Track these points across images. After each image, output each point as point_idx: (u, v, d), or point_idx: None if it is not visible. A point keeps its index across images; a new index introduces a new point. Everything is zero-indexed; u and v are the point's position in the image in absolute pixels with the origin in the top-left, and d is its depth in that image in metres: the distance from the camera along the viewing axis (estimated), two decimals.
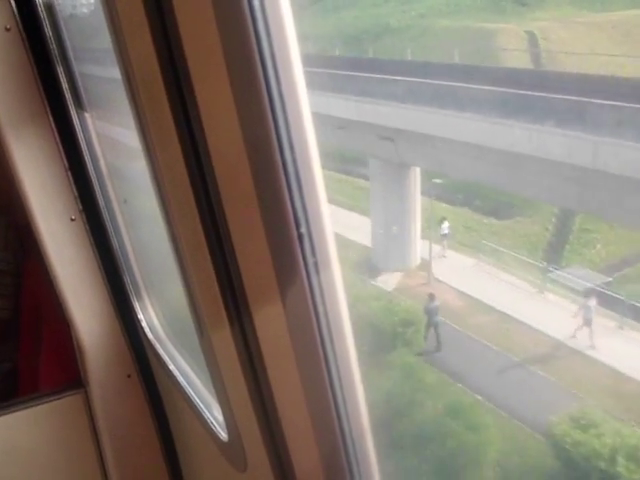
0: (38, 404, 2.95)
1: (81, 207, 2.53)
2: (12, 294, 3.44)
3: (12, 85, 2.31)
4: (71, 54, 2.27)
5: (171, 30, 1.02)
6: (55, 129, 2.41)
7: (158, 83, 1.12)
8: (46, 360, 3.26)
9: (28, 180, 2.45)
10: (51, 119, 2.39)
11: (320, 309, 0.99)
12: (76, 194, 2.51)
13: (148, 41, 1.09)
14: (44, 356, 3.27)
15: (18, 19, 2.22)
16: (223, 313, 1.30)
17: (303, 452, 1.34)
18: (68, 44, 2.26)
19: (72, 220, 2.54)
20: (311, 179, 0.91)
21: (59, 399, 2.97)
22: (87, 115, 2.38)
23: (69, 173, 2.48)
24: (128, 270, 2.62)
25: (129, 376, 2.83)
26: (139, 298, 2.64)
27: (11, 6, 2.21)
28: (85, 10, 2.60)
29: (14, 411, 2.92)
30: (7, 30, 2.22)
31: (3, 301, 3.38)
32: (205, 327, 1.56)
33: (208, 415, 2.09)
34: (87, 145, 2.42)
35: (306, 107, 0.89)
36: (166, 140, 1.23)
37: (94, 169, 2.46)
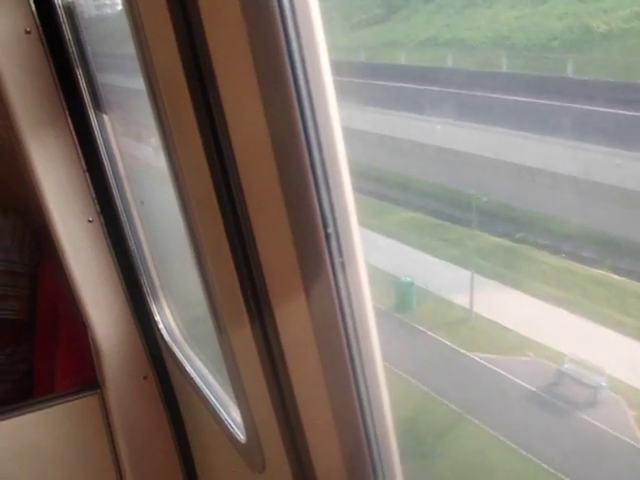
0: (54, 405, 2.96)
1: (99, 209, 2.54)
2: (28, 296, 3.45)
3: (31, 87, 2.32)
4: (90, 56, 2.28)
5: (196, 29, 1.02)
6: (73, 131, 2.42)
7: (181, 82, 1.12)
8: (62, 361, 3.27)
9: (46, 182, 2.47)
10: (69, 121, 2.41)
11: (346, 309, 0.98)
12: (94, 196, 2.52)
13: (172, 40, 1.10)
14: (60, 357, 3.28)
15: (38, 22, 2.24)
16: (244, 312, 1.30)
17: (324, 453, 1.34)
18: (88, 46, 2.27)
19: (90, 222, 2.55)
20: (339, 179, 0.91)
21: (75, 400, 2.98)
22: (105, 117, 2.39)
23: (87, 175, 2.49)
24: (145, 272, 2.63)
25: (145, 377, 2.84)
26: (156, 300, 2.65)
27: (31, 9, 2.22)
28: (106, 12, 2.62)
29: (30, 412, 2.93)
30: (27, 33, 2.23)
31: (19, 303, 3.39)
32: (224, 326, 1.56)
33: (225, 416, 2.09)
34: (105, 147, 2.43)
35: (334, 107, 0.89)
36: (188, 139, 1.23)
37: (112, 171, 2.47)
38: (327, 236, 0.92)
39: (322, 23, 0.86)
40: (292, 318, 1.16)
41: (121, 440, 2.93)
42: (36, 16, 2.23)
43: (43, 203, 2.50)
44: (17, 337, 3.49)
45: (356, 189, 0.92)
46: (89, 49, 2.27)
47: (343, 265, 0.95)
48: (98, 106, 2.36)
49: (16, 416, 2.93)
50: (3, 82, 2.30)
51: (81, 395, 2.97)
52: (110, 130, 2.42)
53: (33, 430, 2.97)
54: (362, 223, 0.94)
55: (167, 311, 2.64)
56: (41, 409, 2.95)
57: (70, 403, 2.98)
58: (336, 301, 0.98)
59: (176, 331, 2.60)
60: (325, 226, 0.91)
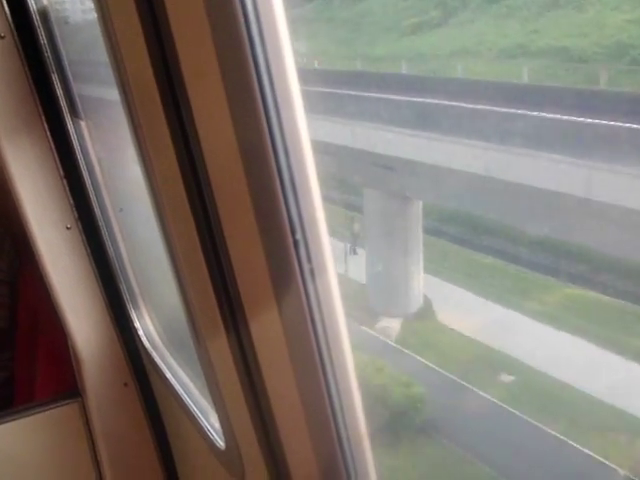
0: (34, 413, 2.94)
1: (77, 215, 2.52)
2: (8, 303, 3.42)
3: (7, 93, 2.31)
4: (66, 62, 2.27)
5: (165, 37, 1.02)
6: (50, 137, 2.41)
7: (153, 91, 1.12)
8: (42, 369, 3.24)
9: (23, 188, 2.45)
10: (46, 127, 2.39)
11: (316, 315, 0.98)
12: (72, 202, 2.50)
13: (142, 49, 1.09)
14: (40, 365, 3.26)
15: (13, 27, 2.22)
16: (219, 320, 1.30)
17: (300, 459, 1.34)
18: (63, 52, 2.25)
19: (68, 228, 2.53)
20: (306, 185, 0.90)
21: (55, 408, 2.95)
22: (82, 123, 2.38)
23: (64, 181, 2.48)
24: (124, 278, 2.61)
25: (126, 384, 2.82)
26: (135, 306, 2.63)
27: (5, 14, 2.21)
28: (80, 18, 2.60)
29: (10, 420, 2.91)
30: (1, 38, 2.21)
31: None
32: (201, 334, 1.55)
33: (205, 423, 2.08)
34: (82, 153, 2.42)
35: (300, 112, 0.89)
36: (161, 147, 1.23)
37: (90, 177, 2.45)
38: (295, 243, 0.92)
39: (287, 29, 0.86)
40: (265, 325, 1.15)
41: (102, 447, 2.91)
42: (11, 21, 2.22)
43: (21, 210, 2.48)
44: None
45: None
46: (65, 54, 2.25)
47: (312, 271, 0.95)
48: (75, 112, 2.35)
49: None
50: None
51: (61, 403, 2.95)
52: (87, 136, 2.41)
53: (13, 439, 2.94)
54: None
55: (147, 318, 2.63)
56: (21, 417, 2.92)
57: (50, 411, 2.95)
58: (306, 307, 0.97)
59: (156, 338, 2.58)
60: (293, 233, 0.91)
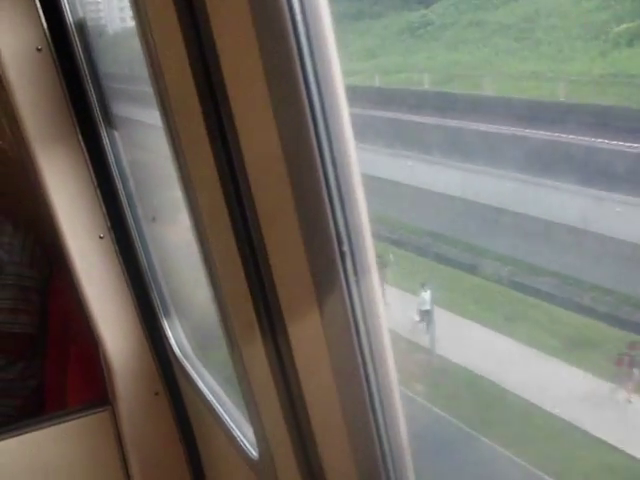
0: (65, 421, 2.96)
1: (109, 225, 2.54)
2: (38, 311, 3.45)
3: (42, 104, 2.34)
4: (101, 72, 2.29)
5: (206, 40, 1.01)
6: (84, 147, 2.43)
7: (192, 97, 1.12)
8: (73, 377, 3.26)
9: (57, 198, 2.47)
10: (80, 137, 2.42)
11: (361, 327, 0.97)
12: (105, 212, 2.52)
13: (182, 54, 1.09)
14: (71, 373, 3.28)
15: (49, 39, 2.25)
16: (256, 328, 1.29)
17: (338, 471, 1.32)
18: (98, 63, 2.28)
19: (100, 238, 2.55)
20: (353, 196, 0.90)
21: (86, 416, 2.97)
22: (116, 133, 2.40)
23: (98, 191, 2.50)
24: (156, 288, 2.62)
25: (157, 394, 2.83)
26: (167, 316, 2.64)
27: (42, 26, 2.24)
28: (116, 28, 2.63)
29: (41, 428, 2.93)
30: (38, 50, 2.24)
31: (30, 317, 3.40)
32: (236, 342, 1.55)
33: (237, 432, 2.08)
34: (116, 163, 2.44)
35: (347, 123, 0.88)
36: (200, 156, 1.23)
37: (123, 187, 2.47)
38: (342, 254, 0.91)
39: (334, 36, 0.86)
40: (305, 335, 1.15)
41: (132, 456, 2.92)
42: (47, 33, 2.25)
43: (54, 219, 2.51)
44: (28, 352, 3.49)
45: None
46: (100, 65, 2.28)
47: (358, 283, 0.94)
48: (109, 122, 2.37)
49: (27, 432, 2.92)
50: (15, 99, 2.31)
51: (92, 411, 2.97)
52: (121, 146, 2.43)
53: (44, 446, 2.97)
54: None
55: (178, 327, 2.64)
56: (52, 425, 2.95)
57: (81, 419, 2.97)
58: (351, 318, 0.97)
59: (187, 347, 2.59)
60: (340, 244, 0.91)
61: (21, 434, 2.92)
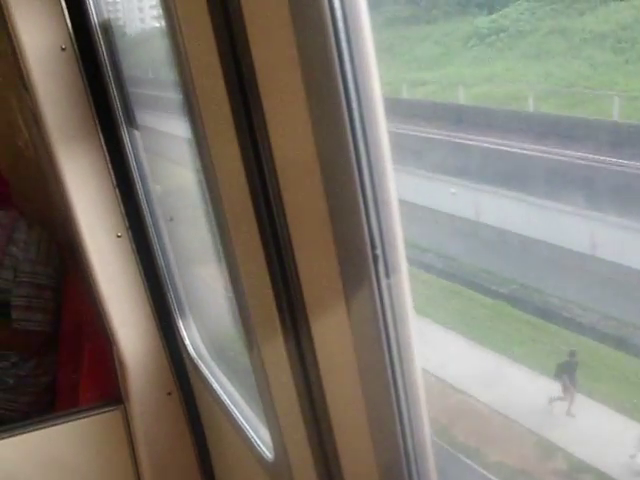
0: (77, 418, 2.97)
1: (128, 224, 2.55)
2: (52, 309, 3.47)
3: (64, 102, 2.35)
4: (124, 73, 2.30)
5: (239, 37, 1.02)
6: (105, 146, 2.45)
7: (221, 92, 1.12)
8: (86, 375, 3.28)
9: (77, 196, 2.49)
10: (101, 136, 2.43)
11: (391, 332, 0.98)
12: (123, 211, 2.54)
13: (213, 50, 1.10)
14: (84, 371, 3.29)
15: (73, 39, 2.27)
16: (277, 327, 1.29)
17: (359, 476, 1.32)
18: (122, 63, 2.29)
19: (118, 237, 2.56)
20: (387, 199, 0.90)
21: (98, 414, 2.98)
22: (137, 133, 2.41)
23: (117, 190, 2.51)
24: (172, 288, 2.63)
25: (169, 394, 2.84)
26: (182, 316, 2.65)
27: (67, 26, 2.26)
28: (142, 28, 2.65)
29: (53, 425, 2.94)
30: (63, 50, 2.26)
31: (44, 315, 3.41)
32: (256, 341, 1.55)
33: (252, 433, 2.08)
34: (136, 163, 2.45)
35: (383, 126, 0.89)
36: (227, 152, 1.23)
37: (142, 187, 2.48)
38: (375, 257, 0.92)
39: (372, 41, 0.86)
40: (331, 336, 1.15)
41: (143, 456, 2.93)
42: (72, 33, 2.27)
43: (73, 217, 2.52)
44: (41, 349, 3.50)
45: None
46: (123, 65, 2.29)
47: (390, 287, 0.94)
48: (130, 122, 2.38)
49: (39, 429, 2.94)
50: (37, 97, 2.33)
51: (104, 409, 2.98)
52: (141, 146, 2.44)
53: (55, 443, 2.98)
54: None
55: (193, 327, 2.64)
56: (64, 422, 2.96)
57: (93, 417, 2.98)
58: (381, 322, 0.97)
59: (202, 347, 2.60)
60: (373, 248, 0.91)
61: (33, 431, 2.93)
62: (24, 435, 2.93)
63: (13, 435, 2.91)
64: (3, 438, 2.88)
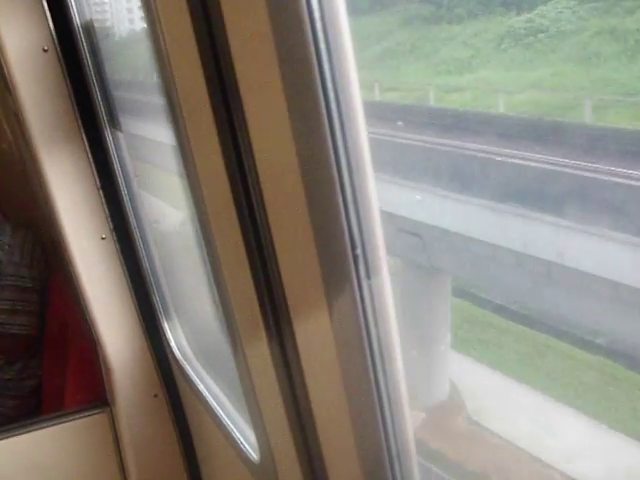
0: (63, 422, 2.95)
1: (112, 226, 2.54)
2: (37, 311, 3.45)
3: (47, 104, 2.34)
4: (107, 74, 2.30)
5: (220, 43, 1.02)
6: (88, 148, 2.44)
7: (203, 98, 1.12)
8: (72, 378, 3.26)
9: (60, 198, 2.48)
10: (84, 138, 2.42)
11: (372, 331, 0.98)
12: (107, 213, 2.53)
13: (194, 52, 1.10)
14: (70, 374, 3.28)
15: (55, 40, 2.26)
16: (261, 328, 1.29)
17: (343, 477, 1.32)
18: (104, 64, 2.29)
19: (102, 239, 2.55)
20: (367, 199, 0.91)
21: (84, 417, 2.97)
22: (120, 135, 2.40)
23: (101, 192, 2.50)
24: (157, 290, 2.62)
25: (155, 396, 2.83)
26: (168, 318, 2.64)
27: (49, 27, 2.25)
28: (122, 31, 2.63)
29: (39, 428, 2.93)
30: (45, 51, 2.25)
31: (29, 318, 3.39)
32: (240, 342, 1.55)
33: (237, 435, 2.08)
34: (120, 164, 2.44)
35: (362, 125, 0.89)
36: (209, 152, 1.23)
37: (126, 189, 2.47)
38: (355, 257, 0.92)
39: (351, 41, 0.87)
40: (314, 336, 1.15)
41: (130, 458, 2.92)
42: (54, 34, 2.25)
43: (56, 219, 2.51)
44: (27, 353, 3.48)
45: None
46: (106, 66, 2.28)
47: (370, 287, 0.95)
48: (113, 124, 2.37)
49: (25, 433, 2.92)
50: (19, 99, 2.31)
51: (90, 413, 2.97)
52: (125, 148, 2.43)
53: (42, 447, 2.96)
54: None
55: (179, 329, 2.64)
56: (50, 426, 2.94)
57: (79, 420, 2.97)
58: (362, 322, 0.97)
59: (187, 349, 2.59)
60: (353, 248, 0.91)
61: (19, 434, 2.92)
62: (10, 439, 2.91)
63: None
64: None
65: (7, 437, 2.90)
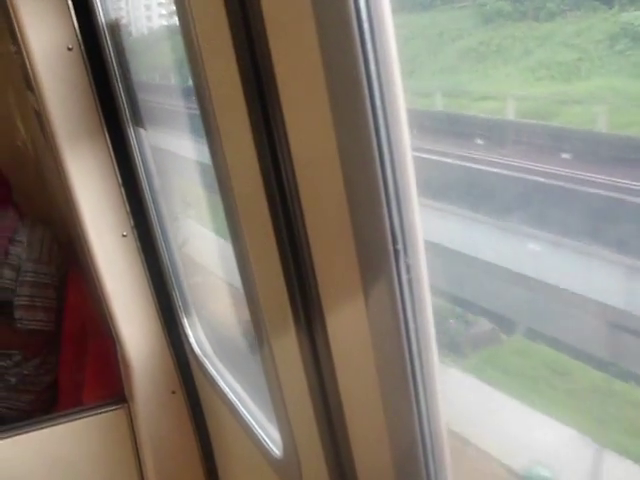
0: (81, 417, 2.97)
1: (133, 223, 2.56)
2: (55, 307, 3.48)
3: (71, 102, 2.36)
4: (132, 72, 2.31)
5: (257, 37, 1.02)
6: (110, 146, 2.45)
7: (237, 92, 1.13)
8: (89, 374, 3.28)
9: (82, 195, 2.49)
10: (107, 136, 2.44)
11: (411, 326, 0.99)
12: (129, 210, 2.54)
13: (229, 50, 1.10)
14: (88, 370, 3.30)
15: (80, 39, 2.28)
16: (290, 321, 1.29)
17: (374, 476, 1.32)
18: (129, 62, 2.30)
19: (124, 236, 2.57)
20: (408, 194, 0.92)
21: (102, 413, 2.99)
22: (143, 132, 2.42)
23: (122, 189, 2.52)
24: (177, 287, 2.64)
25: (174, 392, 2.84)
26: (187, 314, 2.66)
27: (73, 26, 2.27)
28: (148, 28, 2.65)
29: (57, 424, 2.95)
30: (69, 49, 2.27)
31: (47, 314, 3.42)
32: (266, 336, 1.55)
33: (259, 430, 2.08)
34: (142, 162, 2.46)
35: (405, 122, 0.90)
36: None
37: (148, 186, 2.49)
38: (396, 252, 0.93)
39: (394, 40, 0.87)
40: (348, 332, 1.16)
41: (147, 455, 2.93)
42: (78, 33, 2.27)
43: (78, 217, 2.53)
44: (44, 348, 3.51)
45: None
46: (130, 64, 2.30)
47: (410, 282, 0.96)
48: (136, 121, 2.39)
49: (43, 428, 2.94)
50: (43, 97, 2.33)
51: (108, 409, 2.98)
52: (147, 145, 2.45)
53: (59, 442, 2.98)
54: None
55: (198, 325, 2.65)
56: (68, 422, 2.96)
57: (97, 416, 2.99)
58: (401, 317, 0.98)
59: (207, 346, 2.60)
60: (394, 242, 0.92)
61: (37, 429, 2.94)
62: (28, 434, 2.94)
63: (17, 434, 2.91)
64: (6, 437, 2.89)
65: (25, 432, 2.93)
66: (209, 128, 1.39)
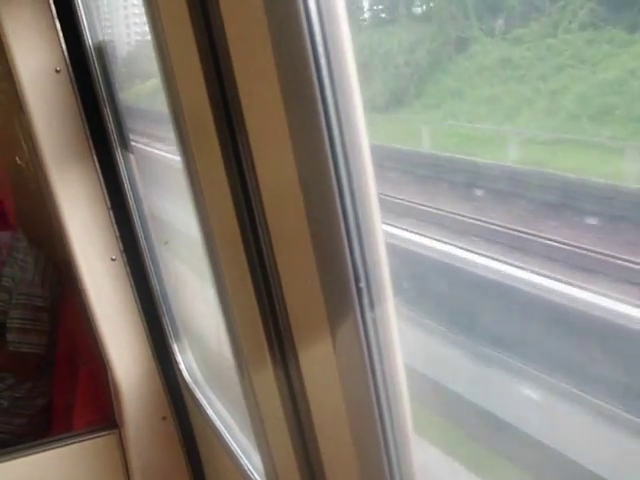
0: (71, 443, 2.93)
1: (122, 247, 2.53)
2: (48, 330, 3.45)
3: (59, 125, 2.34)
4: (119, 95, 2.30)
5: (224, 64, 1.01)
6: (99, 169, 2.44)
7: (208, 119, 1.11)
8: (81, 398, 3.25)
9: (70, 219, 2.47)
10: (95, 159, 2.42)
11: (376, 361, 0.95)
12: (117, 234, 2.52)
13: (199, 77, 1.09)
14: (79, 394, 3.27)
15: (68, 61, 2.26)
16: (267, 356, 1.28)
17: None
18: (116, 85, 2.29)
19: (112, 260, 2.54)
20: (372, 231, 0.88)
21: (93, 439, 2.95)
22: (131, 156, 2.40)
23: (111, 213, 2.49)
24: (167, 312, 2.61)
25: (164, 418, 2.80)
26: (177, 340, 2.62)
27: (62, 48, 2.26)
28: (130, 54, 2.64)
29: (47, 449, 2.91)
30: (57, 72, 2.26)
31: (40, 337, 3.39)
32: (246, 367, 1.53)
33: (245, 460, 2.06)
34: (130, 186, 2.44)
35: (367, 153, 0.87)
36: (215, 181, 1.22)
37: (136, 210, 2.47)
38: (359, 290, 0.89)
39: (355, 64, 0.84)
40: (318, 366, 1.13)
41: None
42: (66, 55, 2.26)
43: (66, 240, 2.50)
44: (37, 372, 3.48)
45: None
46: (118, 87, 2.29)
47: (375, 321, 0.92)
48: (124, 145, 2.37)
49: (33, 454, 2.90)
50: (31, 119, 2.32)
51: (99, 434, 2.94)
52: (135, 169, 2.43)
53: (50, 468, 2.94)
54: None
55: (188, 352, 2.62)
56: (58, 447, 2.92)
57: (88, 442, 2.95)
58: (365, 352, 0.95)
59: (197, 372, 2.57)
60: (357, 280, 0.89)
61: (27, 455, 2.90)
62: (18, 459, 2.90)
63: (7, 460, 2.87)
64: None
65: (16, 458, 2.88)
66: (185, 155, 1.37)
